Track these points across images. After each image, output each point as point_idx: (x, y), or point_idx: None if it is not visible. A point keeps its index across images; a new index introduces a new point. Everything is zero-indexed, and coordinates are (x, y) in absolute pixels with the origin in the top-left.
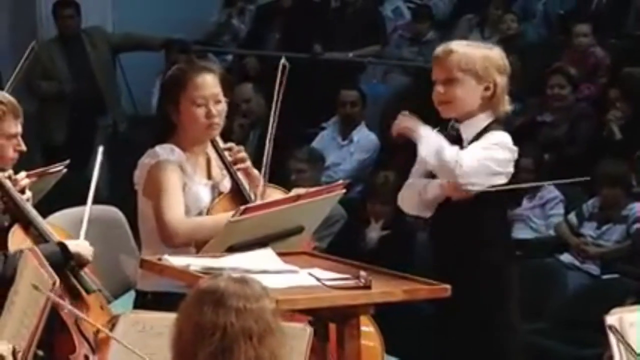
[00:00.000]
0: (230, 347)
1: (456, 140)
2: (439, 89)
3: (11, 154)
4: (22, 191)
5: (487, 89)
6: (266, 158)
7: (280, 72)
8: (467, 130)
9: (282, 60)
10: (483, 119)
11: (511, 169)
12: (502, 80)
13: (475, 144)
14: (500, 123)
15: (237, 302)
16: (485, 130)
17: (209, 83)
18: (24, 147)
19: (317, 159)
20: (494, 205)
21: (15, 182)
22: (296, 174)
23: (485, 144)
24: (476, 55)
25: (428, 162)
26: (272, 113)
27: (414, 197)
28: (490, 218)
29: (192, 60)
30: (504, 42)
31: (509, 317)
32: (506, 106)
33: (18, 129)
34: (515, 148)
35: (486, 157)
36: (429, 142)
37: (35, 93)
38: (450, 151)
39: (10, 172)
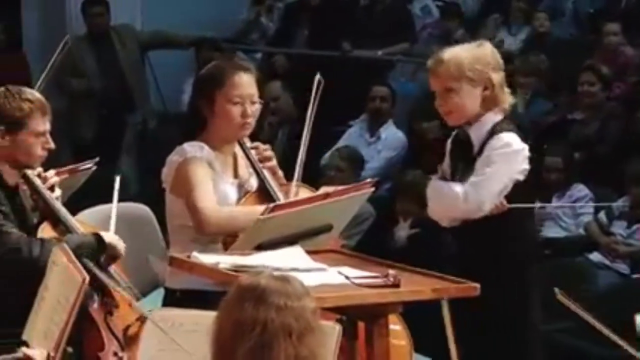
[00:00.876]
0: (270, 343)
1: (467, 144)
2: (438, 101)
3: (40, 151)
4: (52, 189)
5: (485, 89)
6: (300, 160)
7: (315, 87)
8: (476, 132)
9: (318, 77)
10: (490, 119)
11: (524, 166)
12: (497, 76)
13: (478, 169)
14: (508, 121)
15: (278, 299)
16: (492, 131)
17: (247, 82)
18: (52, 145)
19: (357, 160)
20: (518, 202)
21: (44, 180)
22: (335, 171)
23: (486, 168)
24: (464, 59)
25: (440, 217)
26: (307, 125)
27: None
28: (514, 215)
29: (230, 58)
30: (536, 39)
31: (531, 314)
32: (508, 100)
33: (46, 126)
34: (523, 146)
35: (490, 181)
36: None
37: (65, 90)
38: (447, 191)
39: (40, 169)
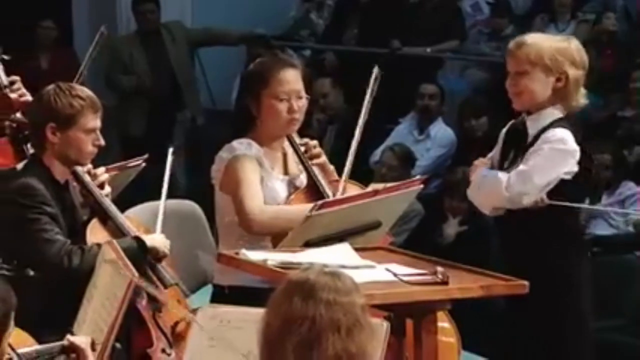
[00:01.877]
0: (318, 338)
1: (522, 133)
2: (509, 81)
3: (90, 148)
4: (102, 186)
5: (558, 80)
6: (351, 157)
7: (372, 80)
8: (533, 124)
9: (376, 69)
10: (551, 113)
11: (573, 168)
12: (575, 73)
13: (528, 159)
14: (568, 120)
15: (327, 295)
16: (550, 125)
17: (292, 78)
18: (102, 142)
19: (409, 158)
20: (565, 199)
21: (94, 177)
22: (387, 168)
23: (535, 159)
24: (546, 48)
25: (480, 203)
26: (361, 119)
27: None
28: (553, 212)
29: (275, 54)
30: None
31: (580, 311)
32: (580, 100)
33: (97, 123)
34: (575, 147)
35: (531, 170)
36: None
37: (115, 87)
38: (492, 177)
39: (90, 166)
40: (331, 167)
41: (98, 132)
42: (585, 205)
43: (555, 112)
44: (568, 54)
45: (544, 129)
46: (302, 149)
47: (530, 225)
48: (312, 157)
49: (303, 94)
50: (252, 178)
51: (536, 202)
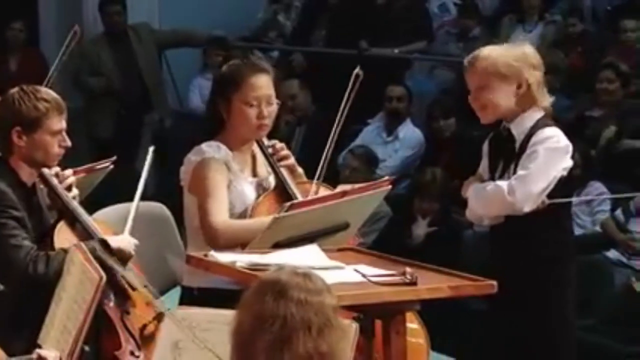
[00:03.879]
0: (289, 337)
1: (508, 140)
2: (471, 97)
3: (56, 150)
4: (69, 188)
5: (519, 87)
6: (324, 159)
7: (352, 80)
8: (517, 128)
9: (357, 70)
10: (531, 116)
11: (569, 163)
12: (535, 75)
13: (524, 163)
14: (549, 118)
15: (298, 294)
16: (536, 126)
17: (264, 84)
18: (68, 143)
19: (372, 159)
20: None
21: (61, 179)
22: (350, 171)
23: (533, 163)
24: (499, 57)
25: (483, 214)
26: (338, 119)
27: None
28: (552, 213)
29: (248, 58)
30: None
31: (564, 313)
32: (546, 100)
33: (62, 125)
34: (567, 142)
35: (529, 174)
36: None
37: (83, 89)
38: (491, 187)
39: (57, 169)
40: (300, 170)
41: (64, 134)
42: (588, 197)
43: (534, 114)
44: (523, 59)
45: (531, 131)
46: (270, 150)
47: (527, 227)
48: (280, 159)
49: (274, 99)
50: (218, 188)
51: (537, 205)
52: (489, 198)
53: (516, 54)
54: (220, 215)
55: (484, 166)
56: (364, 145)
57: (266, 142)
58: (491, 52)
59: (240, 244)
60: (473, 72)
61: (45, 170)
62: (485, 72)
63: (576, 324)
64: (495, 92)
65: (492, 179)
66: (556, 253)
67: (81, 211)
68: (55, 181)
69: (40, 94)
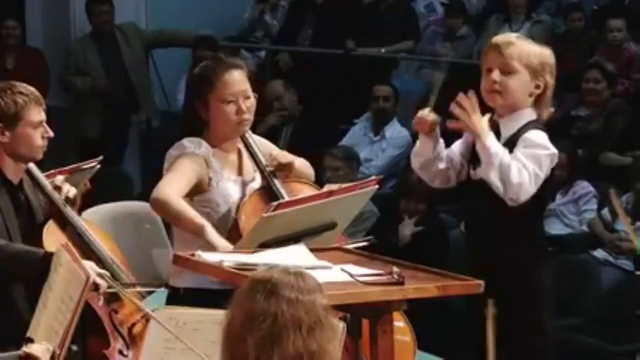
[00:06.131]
0: (280, 335)
1: (494, 134)
2: (495, 76)
3: (40, 142)
4: (73, 201)
5: (537, 87)
6: None
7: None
8: (507, 125)
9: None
10: (524, 116)
11: (548, 171)
12: (551, 82)
13: (522, 157)
14: (540, 123)
15: (289, 293)
16: (524, 128)
17: (237, 79)
18: (51, 134)
19: (353, 158)
20: (532, 203)
21: (59, 191)
22: (331, 171)
23: (532, 156)
24: (534, 52)
25: (489, 176)
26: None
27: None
28: (525, 215)
29: (219, 57)
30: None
31: (541, 316)
32: (547, 111)
33: (42, 116)
34: (554, 151)
35: (535, 170)
36: (494, 155)
37: (70, 89)
38: (514, 173)
39: (58, 182)
40: (299, 169)
41: (45, 125)
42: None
43: (528, 114)
44: (550, 63)
45: (519, 131)
46: (259, 153)
47: (502, 229)
48: (281, 169)
49: (250, 93)
50: (185, 171)
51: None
52: (511, 175)
53: (546, 55)
54: (169, 188)
55: (463, 148)
56: (343, 145)
57: (253, 142)
58: (525, 43)
59: (168, 219)
60: (504, 55)
61: (33, 167)
62: (517, 58)
63: (557, 323)
64: (518, 81)
65: (474, 169)
66: (527, 259)
67: (69, 211)
68: (45, 181)
69: (17, 88)
